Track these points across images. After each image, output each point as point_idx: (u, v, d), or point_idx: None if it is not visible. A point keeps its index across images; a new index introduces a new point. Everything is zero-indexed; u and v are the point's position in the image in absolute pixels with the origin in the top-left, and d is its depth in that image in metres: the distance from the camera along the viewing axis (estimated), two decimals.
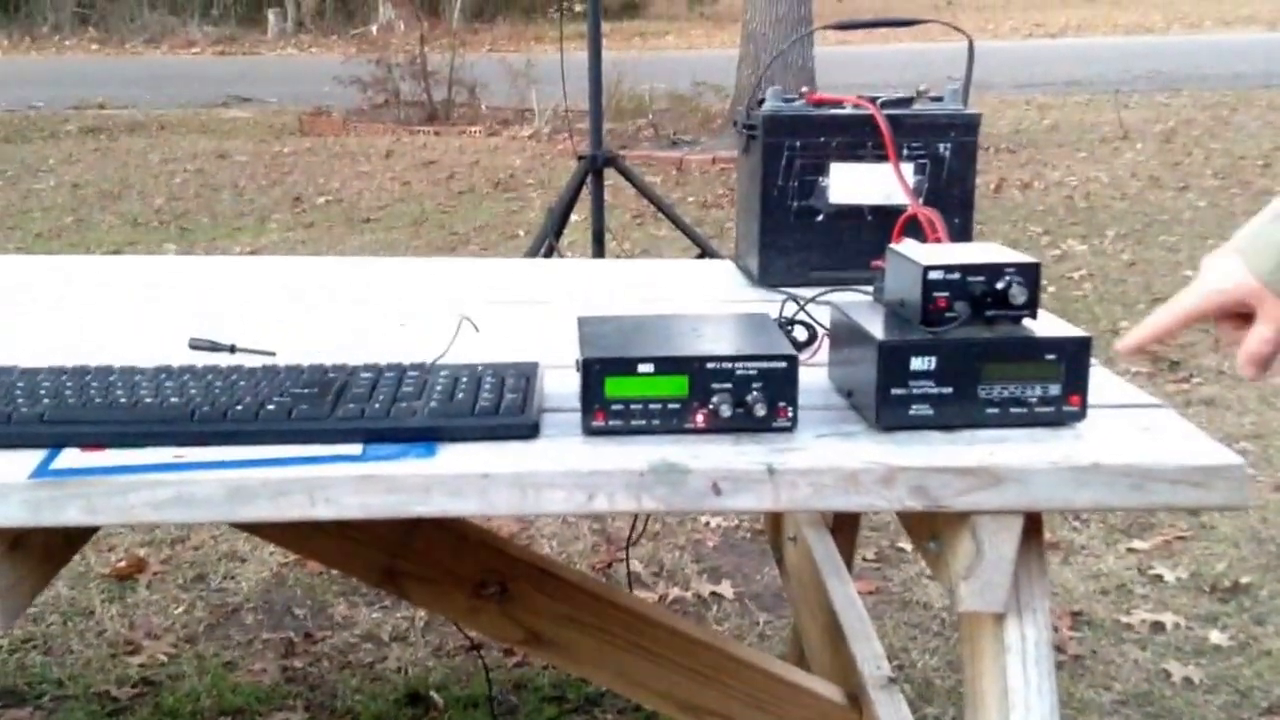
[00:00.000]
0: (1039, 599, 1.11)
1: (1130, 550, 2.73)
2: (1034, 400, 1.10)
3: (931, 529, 1.14)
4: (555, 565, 1.46)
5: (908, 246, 1.20)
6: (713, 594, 2.61)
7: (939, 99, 1.60)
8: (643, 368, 1.08)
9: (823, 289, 1.38)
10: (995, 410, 1.10)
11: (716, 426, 1.09)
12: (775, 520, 2.18)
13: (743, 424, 1.09)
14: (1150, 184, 7.00)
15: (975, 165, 1.57)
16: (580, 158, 3.89)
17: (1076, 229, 5.92)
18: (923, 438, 1.09)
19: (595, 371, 1.08)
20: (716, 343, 1.12)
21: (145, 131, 10.06)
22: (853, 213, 1.59)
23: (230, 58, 17.01)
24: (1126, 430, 1.12)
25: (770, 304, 1.43)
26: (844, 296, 1.26)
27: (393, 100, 10.15)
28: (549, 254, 3.87)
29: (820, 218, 1.60)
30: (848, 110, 1.58)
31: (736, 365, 1.09)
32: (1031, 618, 1.11)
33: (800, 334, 1.36)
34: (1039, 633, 1.10)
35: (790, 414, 1.10)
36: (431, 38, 10.31)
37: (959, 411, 1.10)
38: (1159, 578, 2.60)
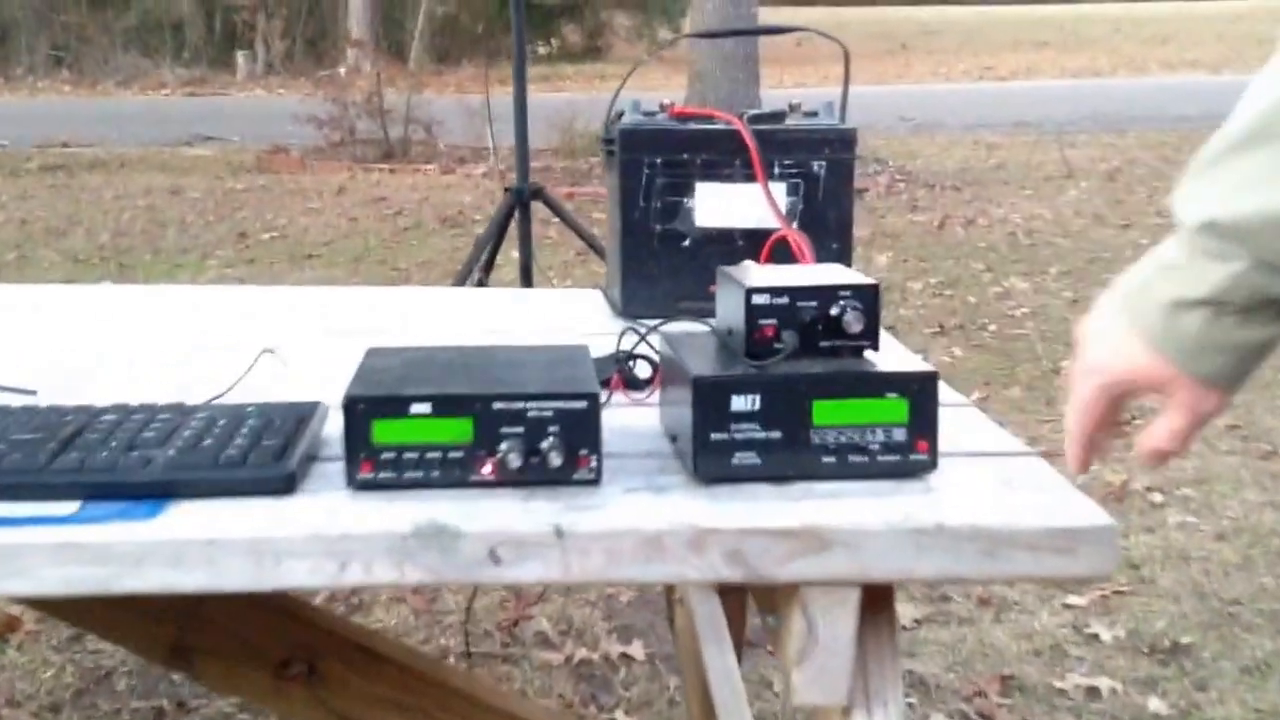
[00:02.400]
0: (890, 688, 0.94)
1: (1066, 606, 2.57)
2: (875, 447, 0.95)
3: (771, 601, 0.98)
4: (374, 640, 1.29)
5: (741, 268, 1.05)
6: (622, 655, 2.43)
7: (814, 114, 1.45)
8: (417, 408, 0.92)
9: (666, 319, 1.22)
10: (831, 459, 0.94)
11: (507, 479, 0.93)
12: None
13: (538, 476, 0.93)
14: (1094, 222, 6.91)
15: (852, 185, 1.42)
16: (506, 190, 3.75)
17: (1019, 266, 5.81)
18: (748, 492, 0.93)
19: (360, 413, 0.92)
20: (512, 379, 0.97)
21: (105, 169, 9.92)
22: (722, 237, 1.44)
23: (199, 98, 16.90)
24: (984, 483, 0.96)
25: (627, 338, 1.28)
26: (680, 326, 1.11)
27: (349, 138, 10.03)
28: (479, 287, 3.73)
29: (686, 243, 1.45)
30: (713, 125, 1.43)
31: (529, 405, 0.93)
32: (882, 711, 0.94)
33: (644, 370, 1.20)
34: None
35: (593, 464, 0.94)
36: (391, 78, 10.20)
37: (790, 460, 0.94)
38: (1095, 637, 2.44)
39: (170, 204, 8.11)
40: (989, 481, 0.96)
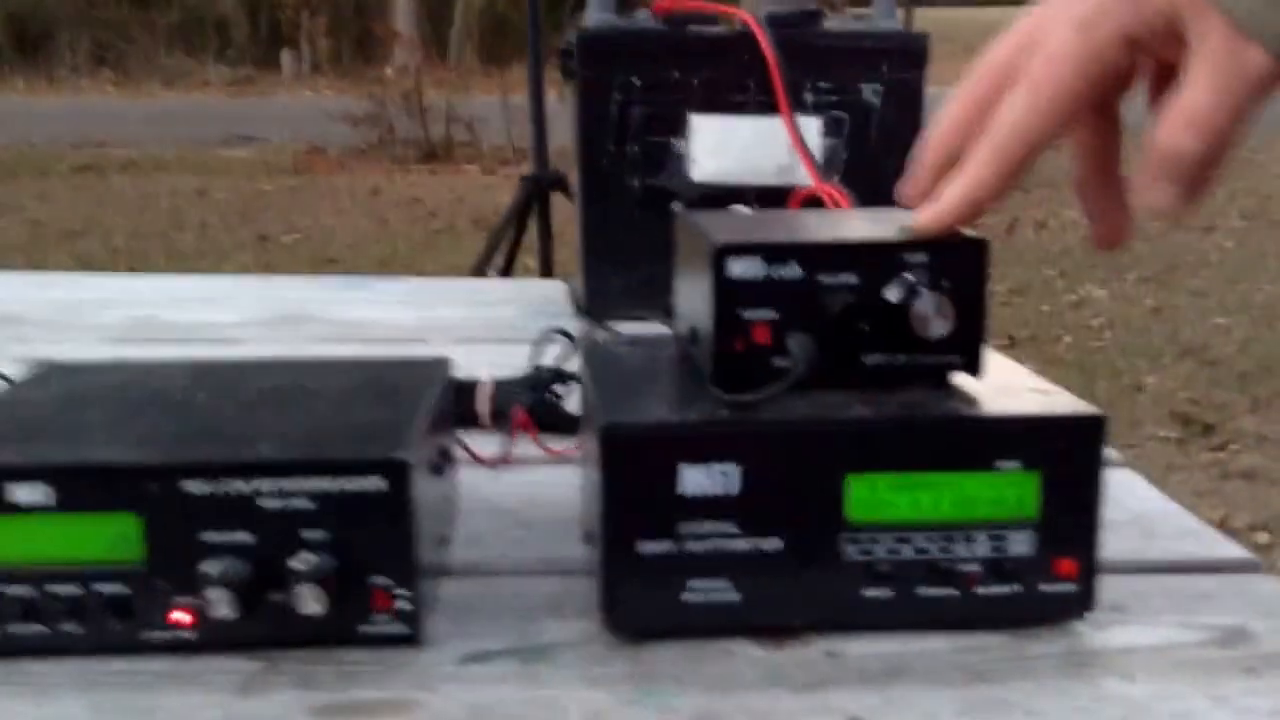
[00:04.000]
0: None
1: None
2: (973, 568, 0.47)
3: None
4: None
5: (717, 213, 0.57)
6: None
7: (864, 18, 0.98)
8: (27, 493, 0.45)
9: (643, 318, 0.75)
10: (882, 592, 0.47)
11: (220, 639, 0.46)
12: None
13: (283, 631, 0.46)
14: (1173, 224, 6.45)
15: (922, 118, 0.94)
16: (523, 179, 3.32)
17: (1095, 272, 5.43)
18: (713, 666, 0.46)
19: None
20: (243, 431, 0.50)
21: (137, 170, 9.63)
22: (728, 196, 0.97)
23: (244, 98, 16.69)
24: (1183, 641, 0.48)
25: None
26: (629, 331, 0.64)
27: (389, 138, 9.73)
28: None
29: (677, 205, 0.98)
30: (716, 30, 0.96)
31: (261, 485, 0.46)
32: None
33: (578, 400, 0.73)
34: None
35: (401, 604, 0.46)
36: (437, 78, 9.92)
37: (799, 594, 0.47)
38: None
39: (194, 206, 7.77)
40: (1191, 638, 0.48)
